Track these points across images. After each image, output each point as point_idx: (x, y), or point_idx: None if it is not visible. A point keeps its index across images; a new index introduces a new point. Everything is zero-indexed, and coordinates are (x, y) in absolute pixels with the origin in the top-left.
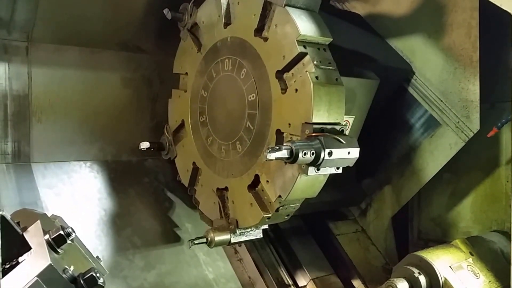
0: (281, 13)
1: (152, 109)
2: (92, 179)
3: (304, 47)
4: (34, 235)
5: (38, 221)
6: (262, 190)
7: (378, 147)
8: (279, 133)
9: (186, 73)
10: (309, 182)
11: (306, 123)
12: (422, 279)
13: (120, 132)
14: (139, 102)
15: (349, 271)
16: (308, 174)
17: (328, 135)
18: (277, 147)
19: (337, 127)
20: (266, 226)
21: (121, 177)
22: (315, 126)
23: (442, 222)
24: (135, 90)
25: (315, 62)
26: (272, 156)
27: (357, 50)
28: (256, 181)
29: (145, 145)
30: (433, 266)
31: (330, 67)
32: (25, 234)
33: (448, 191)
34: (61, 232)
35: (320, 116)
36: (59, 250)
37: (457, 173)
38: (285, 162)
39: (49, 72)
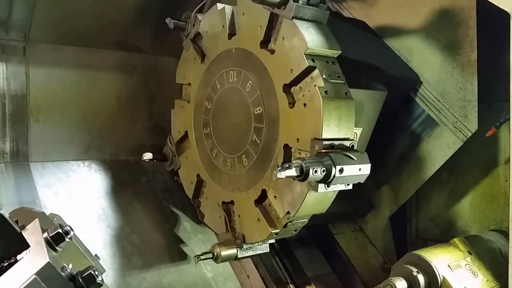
0: (288, 25)
1: (149, 108)
2: (90, 178)
3: (313, 60)
4: (33, 233)
5: (37, 219)
6: (270, 205)
7: (376, 147)
8: (287, 148)
9: (189, 84)
10: (319, 199)
11: (315, 138)
12: (421, 278)
13: (117, 132)
14: (136, 102)
15: (347, 270)
16: (318, 191)
17: (338, 151)
18: (287, 165)
19: (347, 143)
20: (273, 240)
21: (119, 176)
22: (324, 142)
23: (441, 221)
24: (132, 90)
25: (324, 76)
26: (282, 175)
27: (365, 61)
28: (263, 196)
29: (148, 156)
30: (432, 265)
31: (339, 81)
32: (23, 232)
33: (446, 191)
34: (60, 230)
35: (329, 132)
36: (57, 248)
37: (455, 172)
38: (294, 179)
39: (47, 71)
